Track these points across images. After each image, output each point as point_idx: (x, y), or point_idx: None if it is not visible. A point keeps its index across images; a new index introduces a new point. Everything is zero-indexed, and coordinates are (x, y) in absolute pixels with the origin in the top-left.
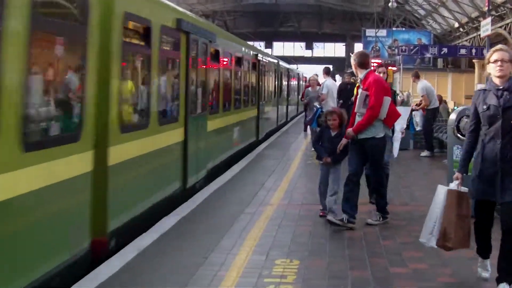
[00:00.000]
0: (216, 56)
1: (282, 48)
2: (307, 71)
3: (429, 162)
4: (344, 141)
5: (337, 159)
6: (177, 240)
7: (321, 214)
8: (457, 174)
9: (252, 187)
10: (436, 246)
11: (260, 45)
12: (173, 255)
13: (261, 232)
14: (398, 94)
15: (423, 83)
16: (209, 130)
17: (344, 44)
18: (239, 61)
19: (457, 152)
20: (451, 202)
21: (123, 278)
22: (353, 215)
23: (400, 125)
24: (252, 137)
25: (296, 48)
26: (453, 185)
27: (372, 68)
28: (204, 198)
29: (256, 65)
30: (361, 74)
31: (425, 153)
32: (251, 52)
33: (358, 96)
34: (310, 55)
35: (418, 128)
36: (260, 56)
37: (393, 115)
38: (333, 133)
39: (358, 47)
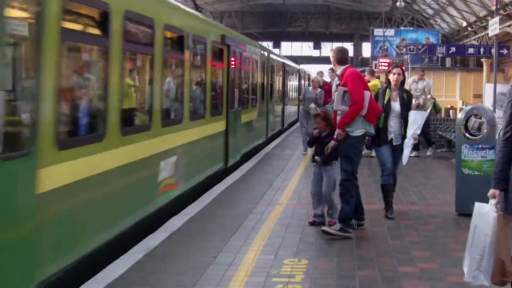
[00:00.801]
0: (101, 24)
1: (290, 48)
2: (315, 71)
3: (437, 161)
4: (332, 143)
5: (326, 159)
6: (185, 240)
7: (310, 221)
8: (493, 191)
9: (260, 187)
10: (487, 284)
11: (268, 44)
12: (181, 255)
13: (269, 232)
14: (414, 100)
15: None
16: (47, 191)
17: (352, 43)
18: (177, 43)
19: (465, 152)
20: (503, 229)
21: (132, 278)
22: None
23: (412, 130)
24: (217, 163)
25: (304, 48)
26: (491, 205)
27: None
28: (213, 198)
29: (224, 54)
30: (339, 70)
31: (429, 151)
32: (210, 31)
33: (336, 93)
34: (318, 55)
35: None
36: (229, 40)
37: (374, 111)
38: (323, 134)
39: (366, 46)
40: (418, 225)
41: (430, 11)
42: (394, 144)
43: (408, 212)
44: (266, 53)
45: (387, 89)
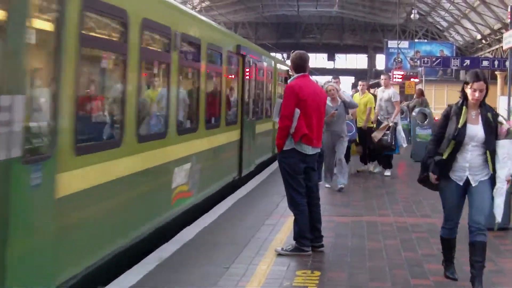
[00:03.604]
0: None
1: None
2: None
3: None
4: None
5: None
6: (198, 251)
7: None
8: None
9: (273, 198)
10: None
11: (282, 56)
12: (194, 266)
13: (282, 243)
14: (501, 122)
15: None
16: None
17: (366, 55)
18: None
19: None
20: None
21: None
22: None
23: (507, 168)
24: None
25: (318, 60)
26: None
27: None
28: (225, 209)
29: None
30: (291, 78)
31: (377, 168)
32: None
33: (275, 104)
34: (332, 67)
35: (404, 145)
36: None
37: (300, 131)
38: None
39: (380, 58)
40: (431, 238)
41: (444, 24)
42: (473, 185)
43: (421, 225)
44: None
45: (463, 107)
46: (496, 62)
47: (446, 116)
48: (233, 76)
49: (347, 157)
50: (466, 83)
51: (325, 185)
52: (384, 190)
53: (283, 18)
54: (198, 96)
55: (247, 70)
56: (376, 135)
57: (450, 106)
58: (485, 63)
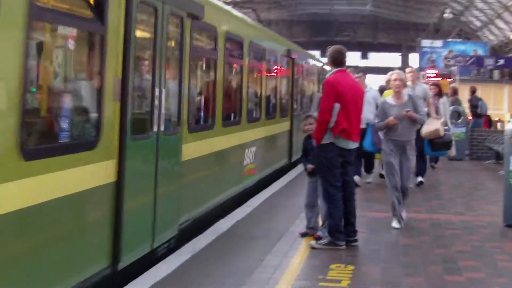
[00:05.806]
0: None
1: None
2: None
3: (485, 173)
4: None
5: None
6: (232, 243)
7: (301, 232)
8: None
9: None
10: None
11: (315, 54)
12: (228, 258)
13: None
14: None
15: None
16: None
17: (399, 54)
18: None
19: None
20: None
21: (179, 279)
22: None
23: None
24: None
25: (351, 58)
26: None
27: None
28: (260, 202)
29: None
30: (329, 72)
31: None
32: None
33: (314, 98)
34: (365, 65)
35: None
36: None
37: (339, 126)
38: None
39: (414, 57)
40: (465, 235)
41: (478, 23)
42: None
43: (455, 222)
44: None
45: None
46: None
47: None
48: None
49: (371, 166)
50: None
51: (393, 225)
52: (418, 188)
53: (316, 16)
54: None
55: None
56: (439, 128)
57: None
58: None
